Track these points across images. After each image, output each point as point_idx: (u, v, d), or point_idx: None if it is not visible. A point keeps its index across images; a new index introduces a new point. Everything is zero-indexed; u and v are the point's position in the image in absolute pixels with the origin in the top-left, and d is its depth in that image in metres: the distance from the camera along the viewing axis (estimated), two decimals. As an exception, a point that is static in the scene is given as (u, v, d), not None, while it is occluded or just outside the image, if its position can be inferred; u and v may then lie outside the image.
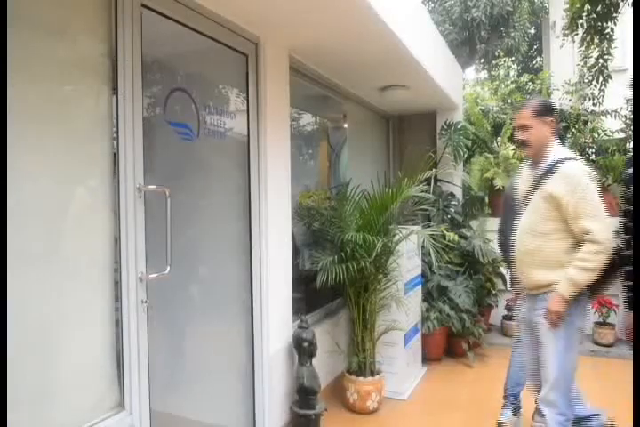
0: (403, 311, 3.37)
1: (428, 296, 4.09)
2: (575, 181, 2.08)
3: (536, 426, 2.96)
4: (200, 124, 2.48)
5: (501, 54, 11.03)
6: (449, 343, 4.26)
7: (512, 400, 2.90)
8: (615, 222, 4.85)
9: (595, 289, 2.21)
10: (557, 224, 2.13)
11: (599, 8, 4.66)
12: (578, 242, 2.10)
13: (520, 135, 2.25)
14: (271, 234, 2.68)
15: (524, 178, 2.35)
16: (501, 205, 3.21)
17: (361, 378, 3.18)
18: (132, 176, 1.85)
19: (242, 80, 2.65)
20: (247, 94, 2.64)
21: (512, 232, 3.07)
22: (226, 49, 2.51)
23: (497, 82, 9.20)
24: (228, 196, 2.73)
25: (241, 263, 2.68)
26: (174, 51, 2.56)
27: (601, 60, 5.02)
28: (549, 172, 2.15)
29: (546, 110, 2.23)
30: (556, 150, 2.22)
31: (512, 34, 9.91)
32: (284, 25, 2.62)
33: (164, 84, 2.38)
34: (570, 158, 2.17)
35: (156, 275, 1.95)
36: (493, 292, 4.61)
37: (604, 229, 2.04)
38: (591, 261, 2.04)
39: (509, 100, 6.81)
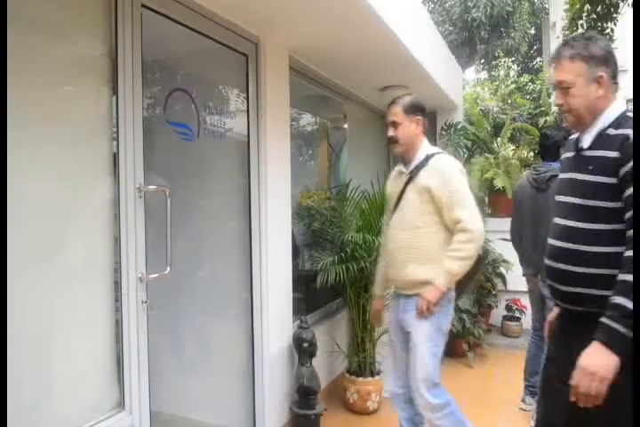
0: (403, 311, 3.36)
1: (428, 296, 4.08)
2: (446, 173, 2.14)
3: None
4: (200, 125, 2.49)
5: (501, 55, 11.02)
6: (449, 344, 4.22)
7: (530, 389, 3.17)
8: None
9: (461, 288, 2.24)
10: (431, 217, 2.15)
11: (599, 8, 4.66)
12: (450, 235, 2.13)
13: (390, 132, 2.28)
14: (271, 234, 2.68)
15: (395, 176, 2.38)
16: (513, 206, 3.30)
17: (361, 378, 3.18)
18: (132, 176, 1.84)
19: (242, 80, 2.65)
20: (247, 94, 2.64)
21: (535, 237, 3.03)
22: (226, 49, 2.51)
23: (497, 82, 9.18)
24: (227, 196, 2.74)
25: (241, 263, 2.68)
26: (174, 51, 2.56)
27: (601, 61, 5.00)
28: (421, 166, 2.20)
29: (415, 109, 2.27)
30: (426, 148, 2.27)
31: (512, 34, 9.93)
32: (283, 25, 2.62)
33: (164, 84, 2.38)
34: (439, 153, 2.25)
35: (156, 275, 1.95)
36: (493, 292, 4.60)
37: (473, 218, 2.08)
38: (463, 250, 2.07)
39: (509, 101, 6.80)
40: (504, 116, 5.82)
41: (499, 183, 4.74)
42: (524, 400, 3.24)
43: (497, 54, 10.87)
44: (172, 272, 2.01)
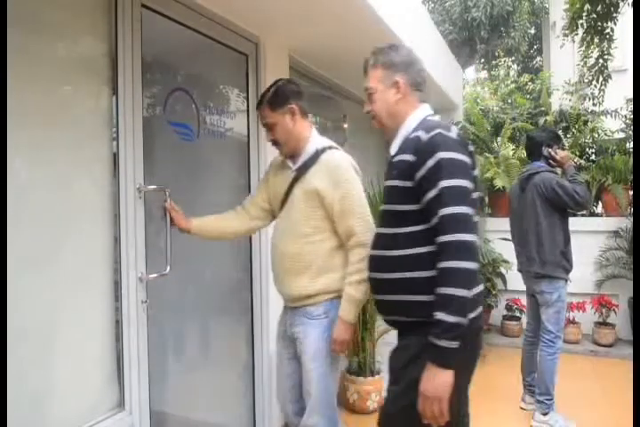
0: (403, 311, 3.36)
1: (427, 296, 4.08)
2: (338, 174, 1.83)
3: (535, 425, 2.98)
4: (200, 125, 2.48)
5: (501, 54, 11.01)
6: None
7: (529, 388, 3.22)
8: (616, 222, 4.79)
9: None
10: (320, 223, 1.85)
11: (599, 8, 4.66)
12: (341, 244, 1.86)
13: (268, 135, 1.96)
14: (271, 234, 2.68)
15: (278, 167, 2.04)
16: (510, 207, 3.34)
17: (361, 378, 3.18)
18: (132, 176, 1.85)
19: (242, 80, 2.65)
20: (247, 94, 2.64)
21: (520, 234, 3.13)
22: (226, 49, 2.51)
23: (497, 82, 9.20)
24: (228, 195, 2.73)
25: (241, 263, 2.68)
26: (174, 50, 2.56)
27: (601, 60, 5.01)
28: (310, 164, 1.87)
29: (283, 99, 1.90)
30: (315, 139, 1.94)
31: (512, 34, 9.91)
32: (284, 25, 2.62)
33: (164, 84, 2.38)
34: (331, 147, 1.92)
35: (156, 275, 1.95)
36: (493, 292, 4.61)
37: (367, 228, 1.80)
38: (365, 269, 1.68)
39: (509, 100, 6.81)
40: (504, 116, 5.83)
41: (499, 183, 4.75)
42: (523, 399, 3.26)
43: (497, 54, 10.86)
44: (172, 272, 2.01)
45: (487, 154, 5.37)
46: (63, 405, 1.64)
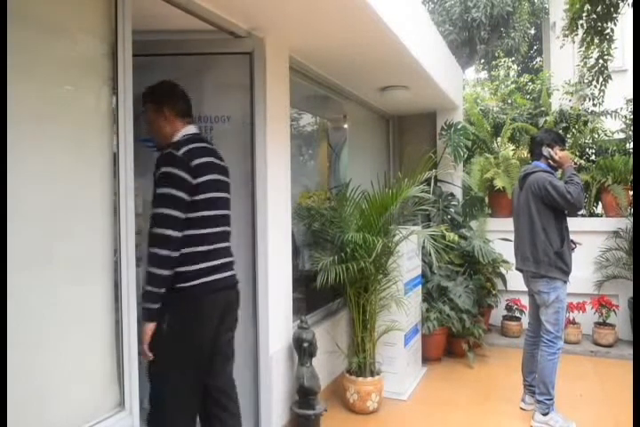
0: (403, 312, 3.37)
1: (427, 296, 4.09)
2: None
3: (535, 426, 2.98)
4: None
5: (501, 55, 11.04)
6: (449, 344, 4.26)
7: (529, 388, 3.25)
8: (613, 222, 4.79)
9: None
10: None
11: (599, 8, 4.66)
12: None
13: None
14: (271, 234, 2.68)
15: None
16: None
17: (361, 378, 3.18)
18: (131, 176, 1.84)
19: (241, 80, 2.64)
20: (249, 94, 2.64)
21: (516, 233, 3.20)
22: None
23: (497, 82, 9.19)
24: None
25: (241, 263, 2.67)
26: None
27: (601, 61, 5.01)
28: None
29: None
30: None
31: (512, 34, 9.93)
32: (284, 25, 2.62)
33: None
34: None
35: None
36: (493, 292, 4.61)
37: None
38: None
39: (509, 101, 6.81)
40: (504, 116, 5.83)
41: (499, 183, 4.75)
42: (523, 400, 3.26)
43: (497, 54, 10.89)
44: (172, 272, 2.01)
45: (487, 154, 5.37)
46: (64, 405, 1.63)
